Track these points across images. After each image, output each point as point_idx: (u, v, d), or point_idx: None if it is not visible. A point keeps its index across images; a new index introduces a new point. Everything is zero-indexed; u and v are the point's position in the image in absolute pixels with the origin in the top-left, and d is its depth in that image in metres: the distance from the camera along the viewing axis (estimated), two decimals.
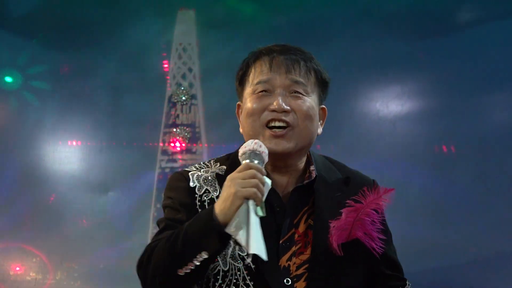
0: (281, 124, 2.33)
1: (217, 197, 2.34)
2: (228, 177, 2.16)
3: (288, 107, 2.33)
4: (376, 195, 2.34)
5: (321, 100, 2.45)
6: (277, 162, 2.37)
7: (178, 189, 2.37)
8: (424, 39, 5.97)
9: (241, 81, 2.43)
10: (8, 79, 6.05)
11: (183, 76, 5.97)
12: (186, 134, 5.85)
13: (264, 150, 2.21)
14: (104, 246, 5.85)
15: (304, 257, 2.27)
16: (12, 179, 5.98)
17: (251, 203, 2.13)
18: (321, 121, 2.46)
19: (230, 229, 2.11)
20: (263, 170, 2.17)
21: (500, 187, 5.82)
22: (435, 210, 5.85)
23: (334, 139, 5.52)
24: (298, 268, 2.26)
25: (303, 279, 2.27)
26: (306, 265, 2.26)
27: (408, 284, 2.46)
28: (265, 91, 2.36)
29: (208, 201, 2.34)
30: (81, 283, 5.94)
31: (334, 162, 2.52)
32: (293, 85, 2.34)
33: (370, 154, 5.76)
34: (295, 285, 2.27)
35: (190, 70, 5.96)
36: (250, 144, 2.21)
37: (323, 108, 2.46)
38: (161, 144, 5.92)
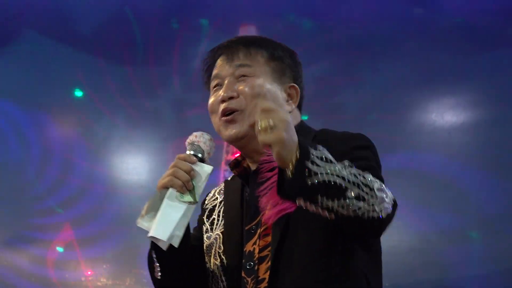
0: (229, 110, 2.28)
1: (220, 202, 2.39)
2: None
3: (233, 93, 2.27)
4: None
5: (286, 78, 2.36)
6: (244, 152, 2.33)
7: None
8: (477, 54, 6.10)
9: (207, 83, 2.42)
10: (78, 93, 6.26)
11: None
12: None
13: (200, 139, 2.21)
14: None
15: (269, 238, 2.18)
16: (80, 188, 6.17)
17: (170, 190, 2.13)
18: (292, 99, 2.35)
19: (137, 220, 2.12)
20: (191, 157, 2.17)
21: None
22: (489, 216, 5.90)
23: (391, 148, 5.65)
24: (261, 250, 2.19)
25: (266, 260, 2.19)
26: (269, 247, 2.16)
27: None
28: (217, 85, 2.33)
29: (211, 207, 2.40)
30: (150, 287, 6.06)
31: (322, 132, 2.34)
32: (237, 69, 2.30)
33: (426, 162, 5.84)
34: (257, 267, 2.20)
35: None
36: (190, 137, 2.24)
37: (293, 86, 2.35)
38: (224, 155, 6.05)
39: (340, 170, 1.94)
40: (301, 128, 2.27)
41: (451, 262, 5.85)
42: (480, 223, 5.93)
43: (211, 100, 2.31)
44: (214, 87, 2.32)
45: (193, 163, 2.15)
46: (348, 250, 2.14)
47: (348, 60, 5.92)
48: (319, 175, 1.90)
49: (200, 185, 2.14)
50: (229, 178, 2.41)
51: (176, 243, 2.08)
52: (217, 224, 2.32)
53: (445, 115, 6.12)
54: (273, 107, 1.93)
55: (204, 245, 2.34)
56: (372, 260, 2.21)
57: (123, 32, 6.25)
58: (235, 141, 2.27)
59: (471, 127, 6.12)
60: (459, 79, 6.12)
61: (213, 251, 2.31)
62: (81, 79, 6.22)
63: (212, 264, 2.31)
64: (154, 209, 2.11)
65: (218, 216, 2.34)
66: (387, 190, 1.99)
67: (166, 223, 2.08)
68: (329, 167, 1.92)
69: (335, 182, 1.91)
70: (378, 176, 2.07)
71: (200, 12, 6.28)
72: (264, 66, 2.32)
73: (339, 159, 2.05)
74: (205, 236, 2.33)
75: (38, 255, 6.14)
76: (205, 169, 2.16)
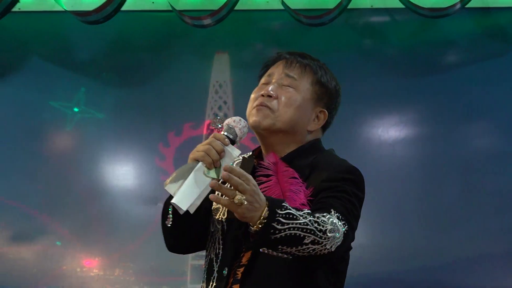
0: (263, 106, 2.45)
1: None
2: None
3: (274, 93, 2.47)
4: (277, 165, 2.33)
5: (321, 103, 2.54)
6: (262, 142, 2.50)
7: None
8: (418, 77, 6.47)
9: (260, 76, 2.63)
10: (76, 109, 6.60)
11: (219, 108, 6.41)
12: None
13: (236, 124, 2.34)
14: (154, 248, 6.23)
15: None
16: (79, 192, 6.49)
17: (200, 164, 2.24)
18: (318, 121, 2.53)
19: (165, 182, 2.25)
20: (226, 140, 2.28)
21: (481, 200, 6.28)
22: (427, 219, 6.27)
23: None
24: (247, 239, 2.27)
25: (252, 250, 2.36)
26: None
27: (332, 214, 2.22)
28: (266, 83, 2.54)
29: None
30: (136, 278, 6.42)
31: (324, 152, 2.50)
32: (285, 78, 2.51)
33: (373, 172, 6.09)
34: (243, 254, 2.38)
35: (225, 102, 6.39)
36: (228, 119, 2.36)
37: (323, 112, 2.55)
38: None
39: (300, 223, 2.09)
40: (309, 147, 2.50)
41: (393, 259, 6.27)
42: (417, 222, 6.32)
43: (255, 93, 2.53)
44: (263, 83, 2.56)
45: (226, 145, 2.27)
46: (315, 268, 2.33)
47: None
48: (282, 231, 2.07)
49: (223, 164, 2.26)
50: (246, 156, 2.58)
51: (192, 210, 2.23)
52: None
53: (390, 130, 6.50)
54: (248, 183, 2.06)
55: (212, 206, 2.54)
56: (339, 272, 2.43)
57: (116, 59, 6.65)
58: (257, 128, 2.49)
59: (412, 141, 6.50)
60: (402, 99, 6.53)
61: (218, 215, 2.50)
62: (78, 99, 6.60)
63: (213, 227, 2.49)
64: (182, 177, 2.23)
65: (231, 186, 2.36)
66: (339, 227, 2.17)
67: (189, 194, 2.19)
68: (291, 223, 2.09)
69: (294, 234, 2.09)
70: (343, 211, 2.25)
71: (182, 42, 6.72)
72: (308, 85, 2.53)
73: (322, 185, 2.30)
74: None
75: (41, 250, 6.53)
76: (234, 152, 2.28)
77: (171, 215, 2.34)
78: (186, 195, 2.19)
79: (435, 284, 6.26)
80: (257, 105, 2.47)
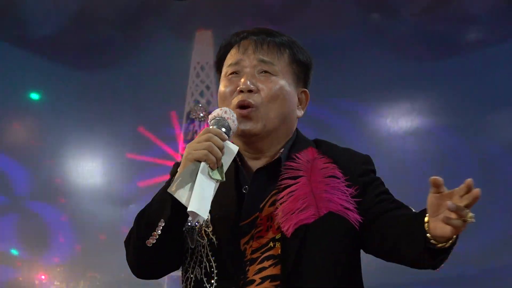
0: (246, 105, 2.25)
1: None
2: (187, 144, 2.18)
3: (254, 87, 2.25)
4: (314, 162, 2.22)
5: (301, 83, 2.35)
6: (249, 147, 2.32)
7: None
8: (432, 60, 6.21)
9: (218, 67, 2.39)
10: (34, 96, 6.35)
11: (201, 94, 6.20)
12: None
13: (229, 116, 2.17)
14: (125, 256, 6.06)
15: (263, 241, 2.16)
16: (37, 192, 6.25)
17: (202, 165, 2.08)
18: (301, 104, 2.34)
19: (171, 189, 2.07)
20: (223, 134, 2.12)
21: (507, 201, 6.00)
22: None
23: None
24: (253, 252, 2.16)
25: (256, 263, 2.19)
26: (262, 249, 2.15)
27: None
28: (235, 72, 2.30)
29: None
30: None
31: (321, 143, 2.36)
32: (260, 64, 2.28)
33: (380, 169, 5.88)
34: (247, 268, 2.19)
35: (207, 87, 6.19)
36: (216, 111, 2.19)
37: (304, 92, 2.35)
38: (180, 159, 6.10)
39: None
40: (297, 139, 2.31)
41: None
42: None
43: (225, 87, 2.30)
44: (231, 73, 2.30)
45: (225, 141, 2.11)
46: (354, 266, 2.20)
47: None
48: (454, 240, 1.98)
49: (226, 163, 2.13)
50: None
51: (202, 220, 2.12)
52: None
53: (400, 120, 6.24)
54: None
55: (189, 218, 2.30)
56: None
57: (80, 37, 6.33)
58: (246, 136, 2.26)
59: (425, 132, 6.23)
60: (414, 84, 6.22)
61: (197, 228, 2.29)
62: (37, 83, 6.31)
63: (193, 242, 2.29)
64: (189, 180, 2.08)
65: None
66: None
67: (204, 199, 2.06)
68: None
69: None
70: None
71: (158, 18, 6.37)
72: (287, 66, 2.29)
73: (361, 180, 2.15)
74: None
75: None
76: (232, 148, 2.16)
77: (160, 231, 2.10)
78: (202, 201, 2.04)
79: None
80: (238, 104, 2.22)
